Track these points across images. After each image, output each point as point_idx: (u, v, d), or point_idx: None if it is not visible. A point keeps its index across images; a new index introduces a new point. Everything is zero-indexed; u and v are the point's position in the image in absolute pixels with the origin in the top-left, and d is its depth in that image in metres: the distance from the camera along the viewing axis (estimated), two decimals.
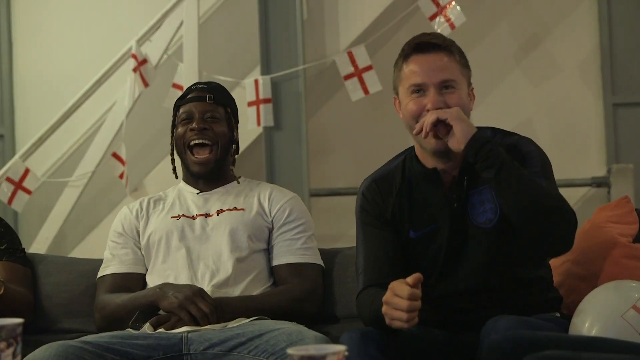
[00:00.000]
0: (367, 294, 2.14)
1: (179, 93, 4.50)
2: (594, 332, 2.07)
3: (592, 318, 2.10)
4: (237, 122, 2.66)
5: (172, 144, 2.62)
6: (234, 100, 2.68)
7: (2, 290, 2.35)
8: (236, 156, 2.67)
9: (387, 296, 1.90)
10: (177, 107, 2.62)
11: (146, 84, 4.66)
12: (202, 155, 2.54)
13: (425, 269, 2.09)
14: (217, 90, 2.62)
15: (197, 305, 2.27)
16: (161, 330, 2.28)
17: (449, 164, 2.17)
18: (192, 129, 2.53)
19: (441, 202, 2.16)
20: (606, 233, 2.44)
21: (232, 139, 2.59)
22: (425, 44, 2.16)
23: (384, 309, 1.91)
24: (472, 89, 2.22)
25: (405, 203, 2.20)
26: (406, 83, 2.16)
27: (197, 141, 2.53)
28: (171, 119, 2.64)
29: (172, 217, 2.54)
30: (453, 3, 4.44)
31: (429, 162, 2.19)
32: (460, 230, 2.15)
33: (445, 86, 2.13)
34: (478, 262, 2.14)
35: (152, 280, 2.48)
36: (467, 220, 2.15)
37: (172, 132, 2.62)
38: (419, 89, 2.14)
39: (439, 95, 2.12)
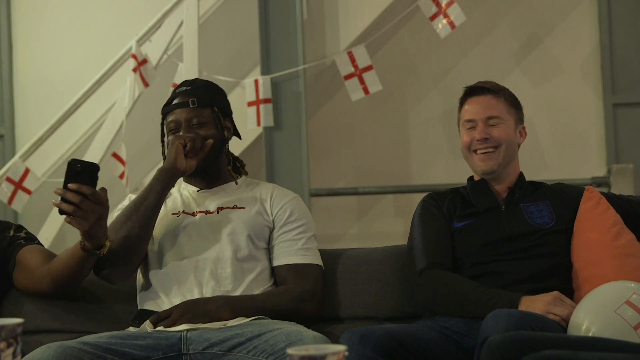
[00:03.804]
0: (448, 277, 2.40)
1: None
2: (587, 325, 2.10)
3: (586, 313, 2.14)
4: (226, 115, 2.60)
5: (163, 153, 2.59)
6: (221, 94, 2.62)
7: (106, 249, 2.34)
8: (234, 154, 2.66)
9: (558, 295, 2.25)
10: (164, 113, 2.58)
11: (146, 84, 4.66)
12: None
13: (466, 253, 2.46)
14: (200, 90, 2.56)
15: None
16: (160, 328, 2.28)
17: (501, 184, 2.56)
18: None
19: (488, 204, 2.52)
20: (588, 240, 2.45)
21: (223, 139, 2.56)
22: (477, 88, 2.60)
23: (553, 299, 2.23)
24: (524, 127, 2.63)
25: (457, 201, 2.56)
26: (462, 120, 2.59)
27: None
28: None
29: (172, 213, 2.53)
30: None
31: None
32: (505, 227, 2.45)
33: (491, 122, 2.55)
34: (525, 255, 2.43)
35: (152, 275, 2.48)
36: (521, 221, 2.47)
37: (162, 142, 2.58)
38: (472, 125, 2.56)
39: (486, 128, 2.53)
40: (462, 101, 2.61)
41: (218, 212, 2.52)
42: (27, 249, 2.53)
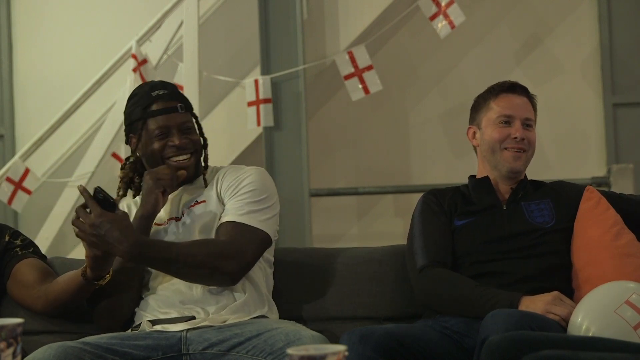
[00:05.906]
0: (448, 275, 2.38)
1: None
2: (586, 325, 2.10)
3: (586, 313, 2.14)
4: (197, 118, 2.54)
5: (126, 160, 2.52)
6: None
7: (105, 281, 2.34)
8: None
9: (558, 295, 2.25)
10: (143, 119, 2.43)
11: None
12: (182, 158, 2.44)
13: (466, 251, 2.44)
14: (179, 95, 2.49)
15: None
16: (159, 327, 2.27)
17: (509, 185, 2.54)
18: (173, 145, 2.42)
19: (489, 202, 2.50)
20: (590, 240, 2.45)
21: (203, 144, 2.50)
22: (517, 87, 2.58)
23: (553, 298, 2.23)
24: None
25: (458, 199, 2.54)
26: (494, 114, 2.53)
27: (179, 157, 2.43)
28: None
29: None
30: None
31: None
32: (505, 226, 2.45)
33: (527, 124, 2.53)
34: (523, 254, 2.41)
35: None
36: (522, 220, 2.46)
37: (135, 149, 2.47)
38: (507, 120, 2.51)
39: (523, 128, 2.51)
40: (495, 94, 2.57)
41: (184, 214, 2.46)
42: (24, 263, 2.52)
